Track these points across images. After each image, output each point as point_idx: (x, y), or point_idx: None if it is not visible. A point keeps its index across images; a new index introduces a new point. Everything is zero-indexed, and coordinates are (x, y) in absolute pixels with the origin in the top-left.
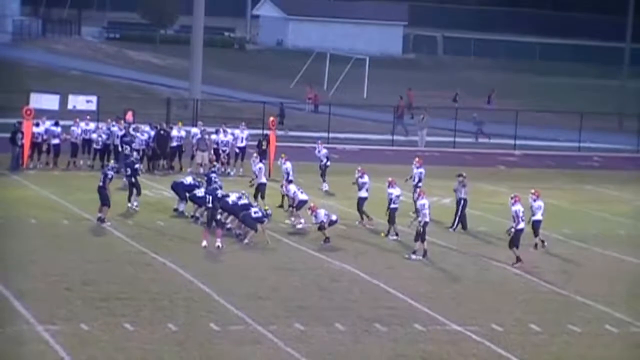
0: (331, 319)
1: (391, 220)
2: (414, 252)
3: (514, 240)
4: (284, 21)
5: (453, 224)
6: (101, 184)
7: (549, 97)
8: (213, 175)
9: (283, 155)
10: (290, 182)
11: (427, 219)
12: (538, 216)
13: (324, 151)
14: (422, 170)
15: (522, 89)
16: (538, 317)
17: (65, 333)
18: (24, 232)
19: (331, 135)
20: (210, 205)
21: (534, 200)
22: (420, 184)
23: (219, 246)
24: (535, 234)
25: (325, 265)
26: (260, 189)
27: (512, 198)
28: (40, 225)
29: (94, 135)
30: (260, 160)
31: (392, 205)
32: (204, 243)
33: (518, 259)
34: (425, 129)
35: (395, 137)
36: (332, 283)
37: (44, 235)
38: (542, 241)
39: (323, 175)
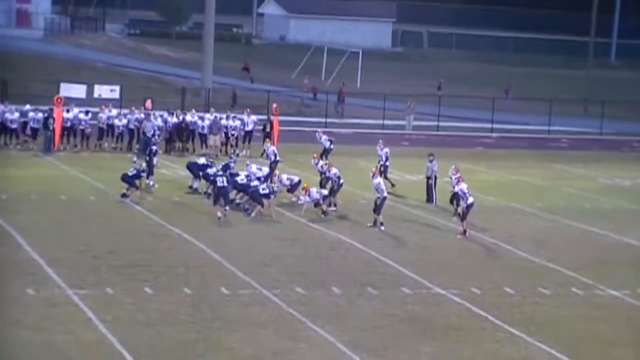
0: (328, 284)
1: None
2: (380, 224)
3: (464, 215)
4: (286, 18)
5: (431, 199)
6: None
7: (522, 86)
8: (232, 163)
9: (267, 141)
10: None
11: (385, 195)
12: (470, 200)
13: (324, 137)
14: (387, 150)
15: (498, 79)
16: (512, 281)
17: (93, 296)
18: (55, 207)
19: (328, 120)
20: (220, 185)
21: (457, 184)
22: (387, 163)
23: (219, 217)
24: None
25: (323, 236)
26: (271, 168)
27: (456, 179)
28: (70, 201)
29: (116, 121)
30: (264, 141)
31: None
32: (219, 214)
33: (464, 232)
34: (412, 114)
35: (385, 122)
36: (330, 252)
37: (74, 209)
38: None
39: (326, 157)
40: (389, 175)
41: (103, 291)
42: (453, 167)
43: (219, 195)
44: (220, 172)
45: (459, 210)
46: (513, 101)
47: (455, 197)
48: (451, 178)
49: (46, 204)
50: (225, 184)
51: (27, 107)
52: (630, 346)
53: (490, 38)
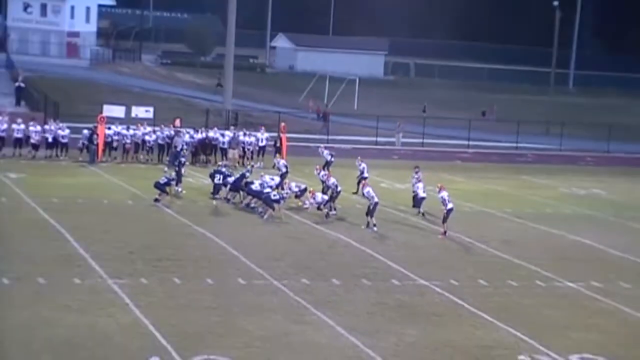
0: (329, 276)
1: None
2: (372, 225)
3: (445, 218)
4: (294, 51)
5: (416, 204)
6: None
7: (494, 109)
8: (248, 173)
9: (278, 155)
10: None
11: (376, 200)
12: (450, 205)
13: (326, 151)
14: (364, 165)
15: (474, 103)
16: (485, 274)
17: (130, 285)
18: (98, 209)
19: (330, 137)
20: (216, 182)
21: (439, 192)
22: (365, 175)
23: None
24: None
25: (325, 236)
26: (282, 178)
27: (438, 187)
28: (110, 204)
29: (147, 137)
30: (276, 155)
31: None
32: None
33: (444, 232)
34: (401, 132)
35: (378, 139)
36: (330, 249)
37: (113, 212)
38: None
39: (327, 169)
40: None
41: (138, 281)
42: (416, 167)
43: (216, 189)
44: (223, 171)
45: (421, 211)
46: (486, 122)
47: (416, 199)
48: (413, 178)
49: (90, 206)
50: (221, 181)
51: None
52: (583, 329)
53: (467, 69)
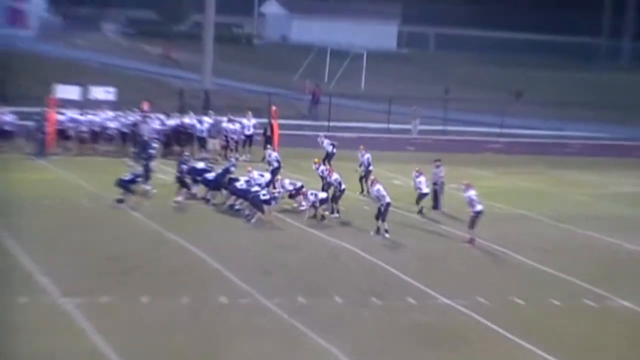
0: (330, 293)
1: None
2: (383, 231)
3: (472, 223)
4: (288, 18)
5: (437, 206)
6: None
7: (532, 89)
8: (232, 168)
9: (269, 147)
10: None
11: (388, 200)
12: (479, 207)
13: (327, 141)
14: (368, 155)
15: (507, 82)
16: (521, 291)
17: (87, 305)
18: (48, 212)
19: (331, 124)
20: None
21: (465, 191)
22: (370, 168)
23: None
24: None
25: (326, 243)
26: (273, 174)
27: (463, 185)
28: (63, 206)
29: (110, 124)
30: (266, 145)
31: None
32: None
33: (471, 240)
34: (418, 118)
35: (390, 126)
36: (332, 259)
37: (68, 214)
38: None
39: (329, 162)
40: (366, 182)
41: (98, 299)
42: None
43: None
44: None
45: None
46: (523, 105)
47: (420, 198)
48: (414, 175)
49: (39, 208)
50: (182, 174)
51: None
52: None
53: (499, 40)
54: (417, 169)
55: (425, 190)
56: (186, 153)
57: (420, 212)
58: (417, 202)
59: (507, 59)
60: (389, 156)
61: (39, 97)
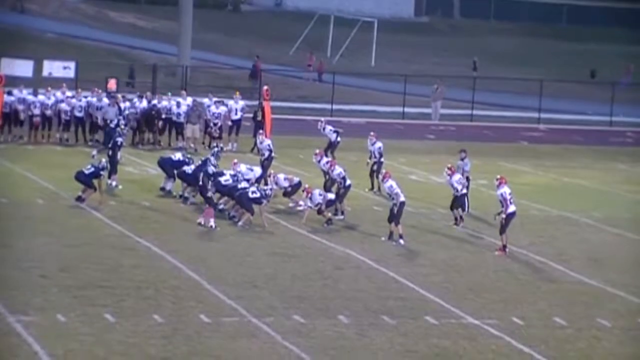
0: (334, 311)
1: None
2: (399, 237)
3: (503, 227)
4: None
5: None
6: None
7: (577, 66)
8: (214, 159)
9: (260, 133)
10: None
11: (402, 199)
12: (511, 208)
13: (329, 128)
14: (379, 144)
15: (546, 56)
16: (564, 309)
17: (40, 324)
18: None
19: (335, 107)
20: (200, 183)
21: (498, 187)
22: (382, 160)
23: (212, 226)
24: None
25: (328, 251)
26: (265, 167)
27: (497, 180)
28: (12, 205)
29: (63, 105)
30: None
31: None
32: (200, 219)
33: (504, 247)
34: (440, 100)
35: (406, 110)
36: (336, 271)
37: (17, 216)
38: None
39: (332, 153)
40: (377, 177)
41: (53, 318)
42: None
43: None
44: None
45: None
46: (565, 84)
47: (456, 202)
48: (446, 175)
49: None
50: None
51: None
52: None
53: (537, 5)
54: (449, 166)
55: (463, 190)
56: (219, 145)
57: (456, 222)
58: (452, 207)
59: (544, 29)
60: (405, 146)
61: None
